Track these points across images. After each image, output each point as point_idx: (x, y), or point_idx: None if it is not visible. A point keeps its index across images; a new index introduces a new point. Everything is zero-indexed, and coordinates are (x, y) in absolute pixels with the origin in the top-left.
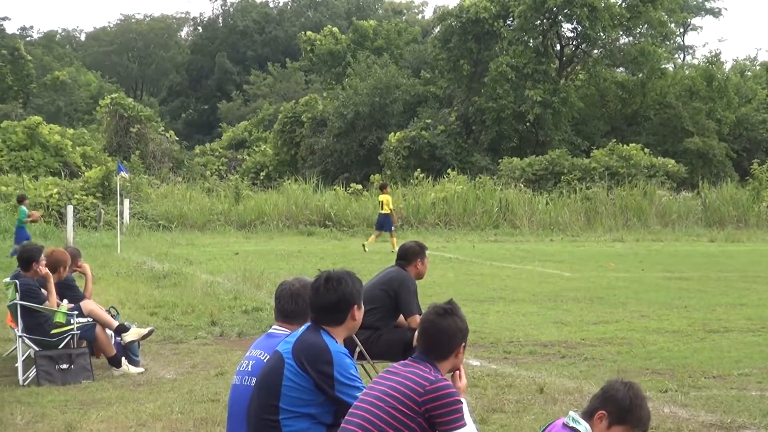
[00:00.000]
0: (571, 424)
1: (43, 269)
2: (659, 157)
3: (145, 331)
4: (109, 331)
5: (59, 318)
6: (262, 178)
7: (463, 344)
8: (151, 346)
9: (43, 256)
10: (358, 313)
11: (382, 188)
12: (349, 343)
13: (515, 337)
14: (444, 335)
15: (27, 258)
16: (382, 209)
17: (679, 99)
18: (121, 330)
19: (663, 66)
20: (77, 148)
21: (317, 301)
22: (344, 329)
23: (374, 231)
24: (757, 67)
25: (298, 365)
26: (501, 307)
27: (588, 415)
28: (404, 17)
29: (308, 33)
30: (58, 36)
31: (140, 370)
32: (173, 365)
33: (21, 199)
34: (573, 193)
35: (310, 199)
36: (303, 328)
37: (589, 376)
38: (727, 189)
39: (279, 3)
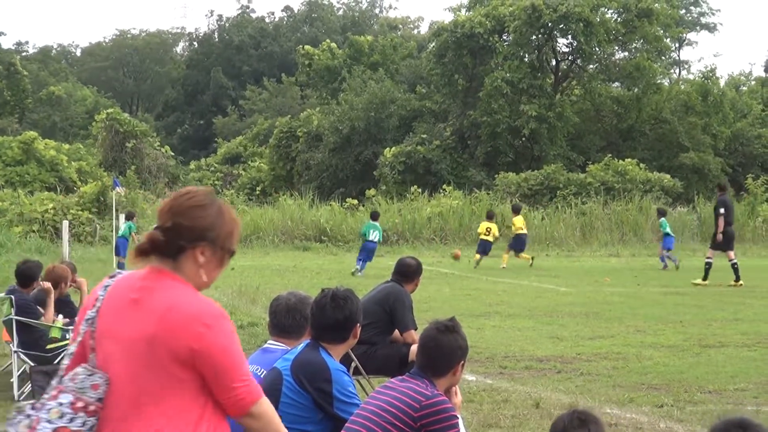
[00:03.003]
0: None
1: (46, 283)
2: (655, 172)
3: None
4: None
5: (55, 333)
6: (257, 193)
7: (462, 362)
8: None
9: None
10: (358, 331)
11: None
12: (345, 359)
13: (511, 351)
14: (444, 352)
15: (28, 275)
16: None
17: (675, 114)
18: None
19: (658, 81)
20: (73, 163)
21: (322, 320)
22: (344, 347)
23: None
24: (752, 82)
25: (296, 383)
26: (497, 322)
27: None
28: (400, 32)
29: (306, 47)
30: (53, 51)
31: None
32: None
33: (130, 216)
34: (568, 208)
35: (306, 214)
36: (302, 345)
37: (585, 391)
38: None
39: (275, 18)
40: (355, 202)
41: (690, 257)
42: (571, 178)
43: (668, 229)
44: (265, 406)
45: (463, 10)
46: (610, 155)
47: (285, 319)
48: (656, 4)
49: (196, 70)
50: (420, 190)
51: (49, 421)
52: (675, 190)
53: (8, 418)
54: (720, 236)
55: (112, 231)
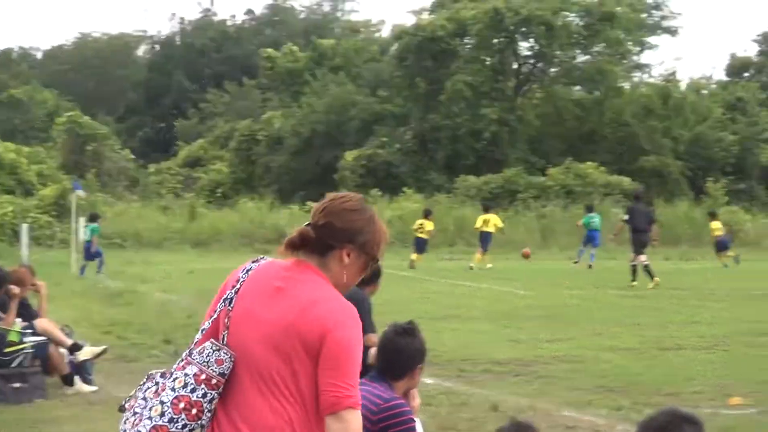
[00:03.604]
0: None
1: (15, 288)
2: (615, 176)
3: (98, 349)
4: (62, 350)
5: (12, 336)
6: (217, 196)
7: (421, 365)
8: (105, 365)
9: None
10: None
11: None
12: None
13: (470, 355)
14: (402, 355)
15: None
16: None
17: (636, 117)
18: (74, 348)
19: (620, 84)
20: (32, 166)
21: None
22: None
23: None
24: (713, 86)
25: None
26: (456, 325)
27: None
28: (362, 36)
29: (268, 50)
30: (14, 54)
31: (94, 388)
32: (127, 384)
33: (93, 218)
34: (529, 212)
35: (266, 217)
36: None
37: (543, 394)
38: (682, 207)
39: (237, 21)
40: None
41: (649, 260)
42: (531, 182)
43: (594, 225)
44: (357, 419)
45: (425, 14)
46: (570, 159)
47: None
48: (618, 8)
49: (158, 73)
50: (381, 193)
51: (173, 389)
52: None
53: (139, 384)
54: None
55: (71, 234)
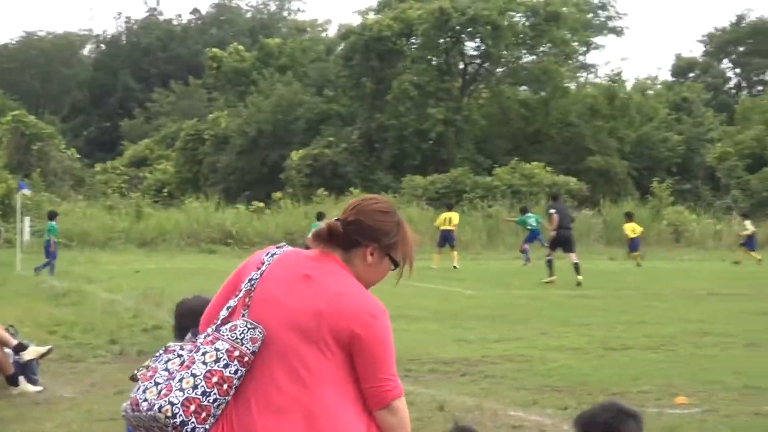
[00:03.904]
0: None
1: None
2: (561, 175)
3: (44, 349)
4: (7, 350)
5: None
6: (163, 195)
7: None
8: (50, 365)
9: None
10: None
11: (449, 207)
12: None
13: (416, 355)
14: None
15: None
16: (447, 225)
17: (581, 117)
18: (19, 348)
19: (565, 84)
20: None
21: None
22: None
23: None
24: (659, 86)
25: None
26: (402, 325)
27: None
28: (308, 35)
29: (214, 49)
30: None
31: (39, 388)
32: (72, 384)
33: (52, 216)
34: (475, 211)
35: (212, 216)
36: None
37: (490, 394)
38: (628, 207)
39: (183, 20)
40: (262, 204)
41: (595, 260)
42: (478, 182)
43: (533, 224)
44: (404, 404)
45: (372, 13)
46: (517, 158)
47: (189, 322)
48: (564, 8)
49: (103, 73)
50: (327, 193)
51: (204, 363)
52: (581, 194)
53: (156, 354)
54: (553, 233)
55: (16, 234)
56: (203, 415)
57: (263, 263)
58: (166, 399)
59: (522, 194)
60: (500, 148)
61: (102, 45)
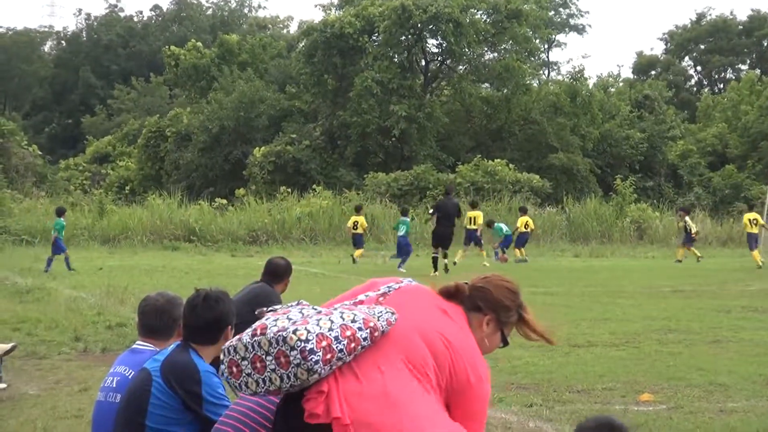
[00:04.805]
0: None
1: None
2: (524, 173)
3: (7, 346)
4: None
5: None
6: (126, 192)
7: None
8: (14, 362)
9: None
10: (230, 334)
11: (473, 205)
12: (216, 360)
13: None
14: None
15: None
16: (471, 225)
17: (544, 115)
18: None
19: (528, 82)
20: None
21: (193, 321)
22: (215, 349)
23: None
24: (621, 84)
25: (166, 384)
26: None
27: None
28: (269, 32)
29: (172, 47)
30: None
31: (2, 386)
32: (36, 381)
33: (60, 212)
34: None
35: (175, 213)
36: (172, 346)
37: None
38: (591, 204)
39: (143, 17)
40: (225, 201)
41: (559, 257)
42: (440, 179)
43: (505, 231)
44: None
45: (333, 10)
46: (479, 156)
47: (153, 320)
48: (525, 6)
49: (64, 69)
50: (290, 190)
51: (342, 317)
52: (544, 191)
53: (288, 304)
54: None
55: None
56: (328, 356)
57: (390, 287)
58: (303, 326)
59: (485, 191)
60: (463, 145)
61: (63, 42)
